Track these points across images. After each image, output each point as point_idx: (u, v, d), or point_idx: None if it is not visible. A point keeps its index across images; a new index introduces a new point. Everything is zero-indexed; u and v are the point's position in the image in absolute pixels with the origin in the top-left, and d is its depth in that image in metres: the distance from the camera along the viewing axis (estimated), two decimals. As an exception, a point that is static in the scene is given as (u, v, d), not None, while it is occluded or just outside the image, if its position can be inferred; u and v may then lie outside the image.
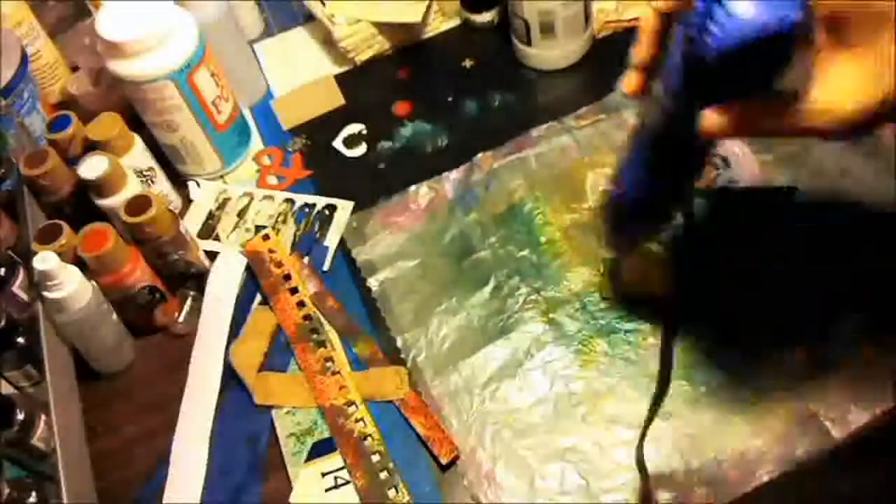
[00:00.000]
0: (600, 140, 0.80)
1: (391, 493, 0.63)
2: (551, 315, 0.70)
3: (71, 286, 0.65)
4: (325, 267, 0.77)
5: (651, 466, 0.60)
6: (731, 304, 0.66)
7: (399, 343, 0.71)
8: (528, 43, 0.85)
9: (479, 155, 0.81)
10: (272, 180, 0.84)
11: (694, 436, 0.62)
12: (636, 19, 0.88)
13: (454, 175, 0.80)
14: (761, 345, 0.65)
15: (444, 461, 0.63)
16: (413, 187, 0.80)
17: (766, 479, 0.59)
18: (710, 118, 0.45)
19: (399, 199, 0.80)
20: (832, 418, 0.61)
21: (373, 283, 0.74)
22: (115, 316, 0.71)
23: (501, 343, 0.69)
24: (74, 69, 0.90)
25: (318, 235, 0.79)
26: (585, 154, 0.79)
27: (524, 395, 0.66)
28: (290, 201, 0.82)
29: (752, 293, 0.67)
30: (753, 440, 0.61)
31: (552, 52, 0.85)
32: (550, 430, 0.64)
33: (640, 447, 0.60)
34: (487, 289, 0.72)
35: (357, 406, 0.67)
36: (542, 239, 0.74)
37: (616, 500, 0.60)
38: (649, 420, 0.59)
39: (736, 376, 0.64)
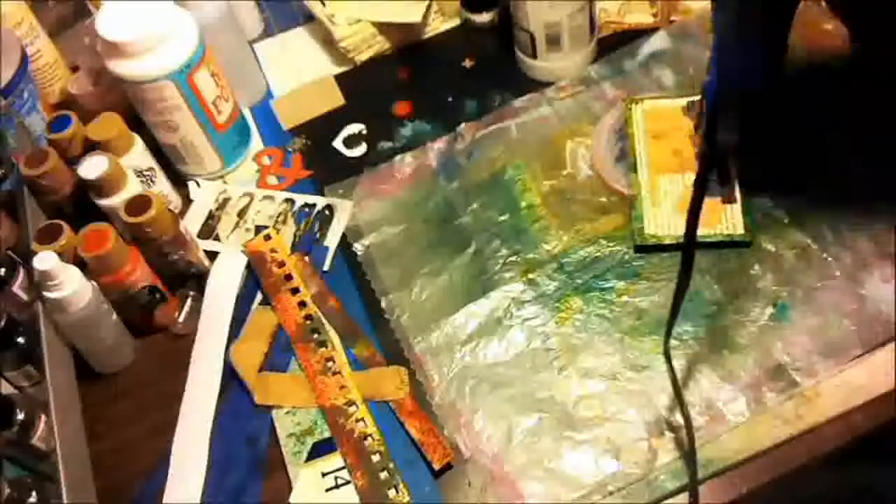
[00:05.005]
0: (580, 111, 0.82)
1: (391, 493, 0.63)
2: (530, 275, 0.72)
3: (71, 286, 0.65)
4: (326, 267, 0.77)
5: (623, 416, 0.64)
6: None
7: (383, 304, 0.73)
8: (534, 55, 0.84)
9: (463, 125, 0.83)
10: (272, 180, 0.84)
11: (665, 386, 0.64)
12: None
13: (438, 144, 0.83)
14: (729, 301, 0.68)
15: (436, 466, 0.63)
16: (398, 157, 0.82)
17: (735, 420, 0.62)
18: None
19: (384, 167, 0.82)
20: (798, 368, 0.64)
21: (358, 247, 0.77)
22: (115, 316, 0.71)
23: (482, 302, 0.72)
24: (74, 69, 0.90)
25: (318, 235, 0.79)
26: (565, 124, 0.82)
27: (503, 350, 0.69)
28: (290, 201, 0.82)
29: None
30: (724, 388, 0.64)
31: (558, 65, 0.84)
32: (527, 383, 0.67)
33: (666, 341, 0.63)
34: (469, 251, 0.75)
35: (357, 406, 0.67)
36: (523, 204, 0.77)
37: (588, 445, 0.63)
38: (673, 315, 0.62)
39: (707, 329, 0.67)
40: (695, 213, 0.56)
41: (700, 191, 0.56)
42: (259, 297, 0.76)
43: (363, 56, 0.91)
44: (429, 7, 0.90)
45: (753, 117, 0.65)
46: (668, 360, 0.64)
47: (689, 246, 0.58)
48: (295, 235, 0.79)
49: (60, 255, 0.65)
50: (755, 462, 0.61)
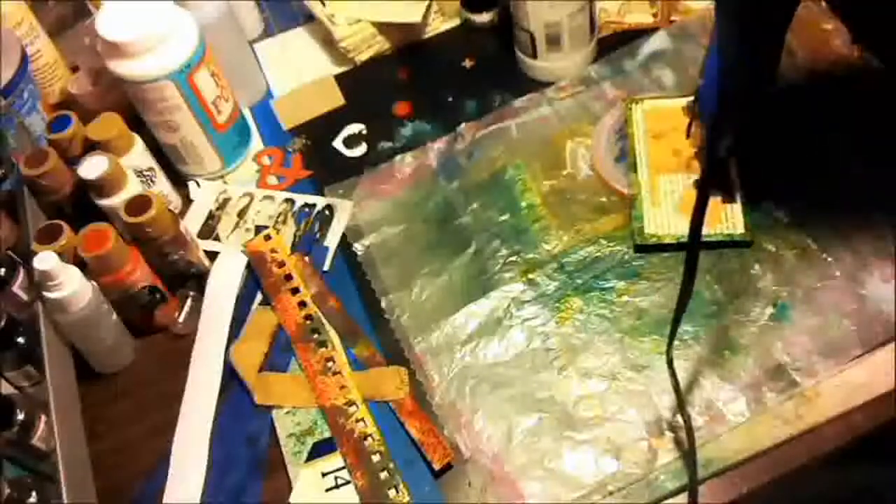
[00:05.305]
0: (580, 111, 0.83)
1: (391, 493, 0.63)
2: (530, 275, 0.72)
3: (71, 286, 0.65)
4: (326, 267, 0.77)
5: (623, 416, 0.64)
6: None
7: (383, 304, 0.73)
8: (534, 55, 0.84)
9: (463, 125, 0.83)
10: (272, 180, 0.84)
11: (666, 387, 0.64)
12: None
13: (438, 145, 0.83)
14: (730, 301, 0.68)
15: (436, 466, 0.63)
16: (398, 157, 0.82)
17: (735, 420, 0.62)
18: None
19: (384, 167, 0.82)
20: (798, 368, 0.64)
21: (358, 247, 0.77)
22: (115, 316, 0.71)
23: (482, 302, 0.72)
24: (74, 69, 0.90)
25: (318, 236, 0.79)
26: (565, 124, 0.82)
27: (503, 350, 0.69)
28: (290, 201, 0.82)
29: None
30: (724, 388, 0.64)
31: (558, 65, 0.84)
32: (527, 383, 0.67)
33: (669, 350, 0.63)
34: (469, 251, 0.75)
35: (357, 406, 0.67)
36: (523, 204, 0.77)
37: (588, 445, 0.63)
38: (675, 322, 0.61)
39: (707, 329, 0.67)
40: (698, 218, 0.56)
41: (703, 196, 0.56)
42: (259, 297, 0.76)
43: (363, 56, 0.91)
44: (429, 7, 0.90)
45: (754, 118, 0.65)
46: (671, 367, 0.63)
47: (693, 248, 0.58)
48: (295, 235, 0.79)
49: (60, 255, 0.65)
50: (755, 462, 0.61)
